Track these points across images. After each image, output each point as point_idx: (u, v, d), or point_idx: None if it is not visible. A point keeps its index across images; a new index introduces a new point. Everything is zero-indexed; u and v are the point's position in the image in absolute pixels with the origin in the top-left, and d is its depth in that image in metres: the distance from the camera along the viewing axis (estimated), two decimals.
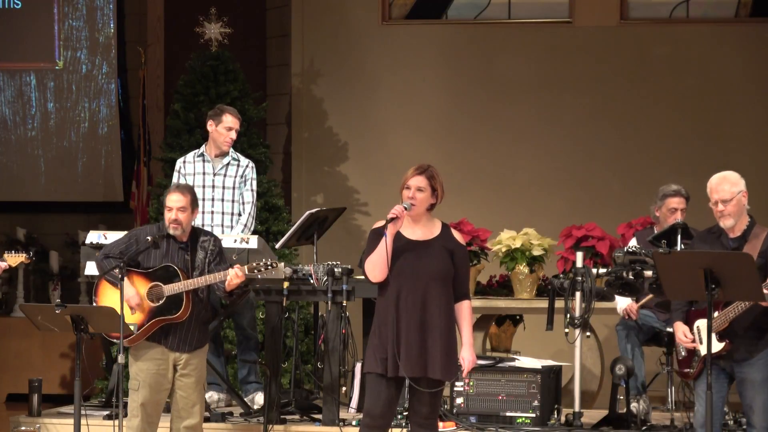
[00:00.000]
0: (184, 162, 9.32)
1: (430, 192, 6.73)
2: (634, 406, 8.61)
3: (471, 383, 8.73)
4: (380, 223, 6.73)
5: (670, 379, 8.86)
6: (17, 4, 13.40)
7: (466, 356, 6.76)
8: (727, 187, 6.98)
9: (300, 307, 9.61)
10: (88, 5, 13.39)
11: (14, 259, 8.63)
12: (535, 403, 8.67)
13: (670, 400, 8.84)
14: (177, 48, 12.59)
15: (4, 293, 13.26)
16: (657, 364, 9.18)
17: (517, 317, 11.06)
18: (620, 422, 8.56)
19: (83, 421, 7.63)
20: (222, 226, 9.14)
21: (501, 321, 11.09)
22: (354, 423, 8.56)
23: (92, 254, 8.50)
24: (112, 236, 8.48)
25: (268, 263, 7.74)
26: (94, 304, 7.81)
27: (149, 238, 7.63)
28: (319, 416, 8.80)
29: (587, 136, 12.72)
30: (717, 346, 6.93)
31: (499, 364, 8.84)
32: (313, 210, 9.30)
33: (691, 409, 8.05)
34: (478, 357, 7.28)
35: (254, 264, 7.74)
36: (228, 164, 9.25)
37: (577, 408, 8.70)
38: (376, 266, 6.66)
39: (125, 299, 7.56)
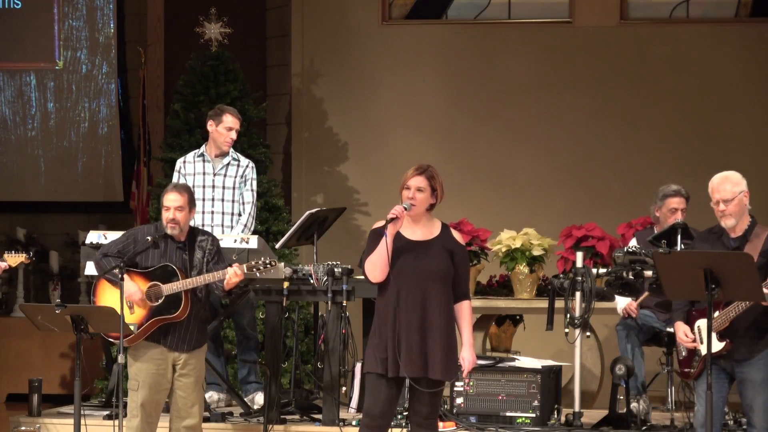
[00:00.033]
0: (184, 162, 9.32)
1: (430, 192, 6.73)
2: (634, 406, 8.61)
3: (471, 383, 8.73)
4: (380, 224, 6.72)
5: (670, 379, 8.86)
6: (17, 4, 13.40)
7: (467, 356, 6.76)
8: (728, 186, 6.98)
9: (300, 307, 9.61)
10: (88, 5, 13.39)
11: (14, 259, 8.63)
12: (535, 403, 8.67)
13: (670, 400, 8.84)
14: (177, 48, 12.59)
15: (4, 293, 13.26)
16: (657, 364, 9.18)
17: (517, 317, 11.06)
18: (620, 422, 8.56)
19: (83, 421, 7.62)
20: (222, 226, 9.14)
21: (501, 321, 11.09)
22: (354, 423, 8.56)
23: (92, 254, 8.49)
24: (112, 236, 8.47)
25: (267, 262, 7.74)
26: (93, 304, 7.82)
27: (149, 238, 7.63)
28: (319, 416, 8.80)
29: (587, 136, 12.72)
30: (717, 346, 6.93)
31: (499, 364, 8.84)
32: (313, 210, 9.30)
33: (691, 409, 8.05)
34: (478, 357, 7.28)
35: (253, 262, 7.74)
36: (228, 164, 9.25)
37: (577, 408, 8.70)
38: (376, 266, 6.66)
39: (127, 295, 7.57)
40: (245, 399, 9.13)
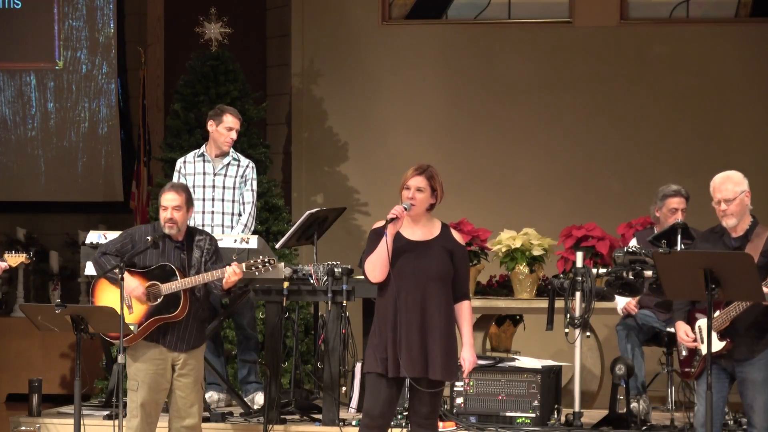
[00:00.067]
0: (185, 162, 9.32)
1: (430, 192, 6.73)
2: (634, 406, 8.61)
3: (471, 383, 8.72)
4: (380, 224, 6.72)
5: (670, 379, 8.86)
6: (17, 4, 13.39)
7: (467, 356, 6.75)
8: (730, 186, 6.98)
9: (300, 307, 9.60)
10: (88, 5, 13.39)
11: (14, 259, 8.63)
12: (535, 403, 8.67)
13: (670, 400, 8.84)
14: (177, 48, 12.58)
15: (4, 293, 13.26)
16: (657, 364, 9.18)
17: (517, 317, 11.06)
18: (620, 422, 8.56)
19: (83, 421, 7.62)
20: (222, 226, 9.14)
21: (501, 321, 11.09)
22: (354, 423, 8.55)
23: (92, 254, 8.48)
24: (112, 236, 8.43)
25: (266, 260, 7.74)
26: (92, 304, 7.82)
27: (149, 238, 7.62)
28: (319, 416, 8.80)
29: (587, 136, 12.72)
30: (718, 346, 6.93)
31: (499, 364, 8.84)
32: (313, 210, 9.30)
33: (691, 409, 8.05)
34: (478, 357, 7.28)
35: (252, 261, 7.73)
36: (228, 164, 9.25)
37: (577, 408, 8.70)
38: (376, 266, 6.66)
39: (128, 292, 7.57)
40: (245, 399, 9.12)
